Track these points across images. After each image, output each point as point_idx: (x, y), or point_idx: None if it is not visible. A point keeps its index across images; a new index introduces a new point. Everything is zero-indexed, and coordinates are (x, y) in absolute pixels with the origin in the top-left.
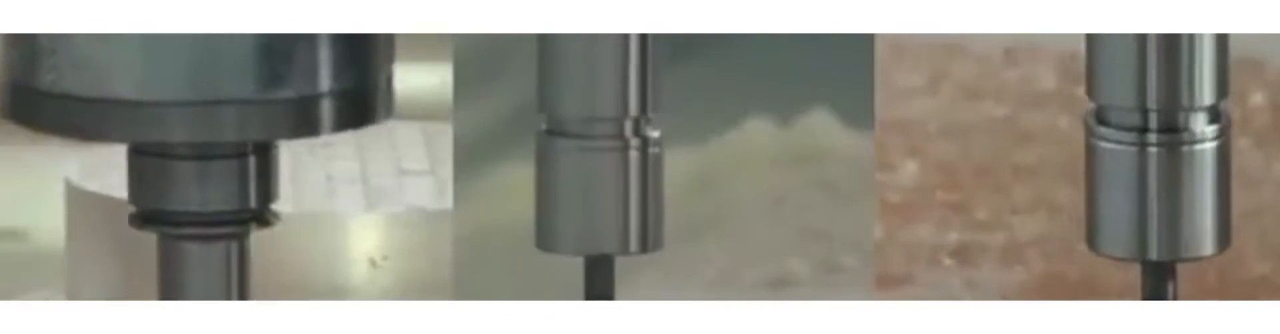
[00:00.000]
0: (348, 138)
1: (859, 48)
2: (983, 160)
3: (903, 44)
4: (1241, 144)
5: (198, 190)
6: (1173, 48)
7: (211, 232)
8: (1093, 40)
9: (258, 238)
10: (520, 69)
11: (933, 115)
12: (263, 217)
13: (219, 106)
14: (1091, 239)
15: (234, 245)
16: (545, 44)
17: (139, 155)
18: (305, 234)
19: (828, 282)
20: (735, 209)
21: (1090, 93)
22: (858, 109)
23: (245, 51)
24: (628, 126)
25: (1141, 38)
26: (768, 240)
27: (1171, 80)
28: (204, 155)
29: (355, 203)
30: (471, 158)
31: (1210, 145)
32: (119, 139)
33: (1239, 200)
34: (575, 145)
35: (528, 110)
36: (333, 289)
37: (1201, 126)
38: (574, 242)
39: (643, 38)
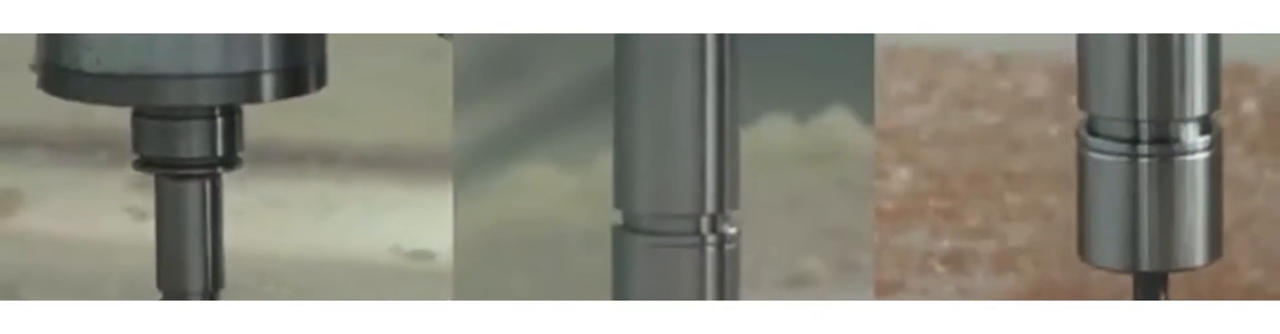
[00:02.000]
0: None
1: (873, 47)
2: (975, 168)
3: (895, 52)
4: (1234, 151)
5: (185, 142)
6: (1164, 58)
7: (194, 172)
8: (1084, 50)
9: None
10: (520, 69)
11: (925, 123)
12: (230, 162)
13: (195, 79)
14: (1083, 250)
15: (209, 183)
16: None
17: (138, 117)
18: None
19: (844, 280)
20: (752, 206)
21: (1082, 103)
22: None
23: (212, 37)
24: (704, 223)
25: (1133, 48)
26: (785, 237)
27: (1163, 91)
28: (186, 116)
29: None
30: (473, 158)
31: (1202, 156)
32: (122, 103)
33: (1231, 207)
34: (648, 242)
35: (527, 111)
36: None
37: (1193, 137)
38: None
39: (720, 129)
